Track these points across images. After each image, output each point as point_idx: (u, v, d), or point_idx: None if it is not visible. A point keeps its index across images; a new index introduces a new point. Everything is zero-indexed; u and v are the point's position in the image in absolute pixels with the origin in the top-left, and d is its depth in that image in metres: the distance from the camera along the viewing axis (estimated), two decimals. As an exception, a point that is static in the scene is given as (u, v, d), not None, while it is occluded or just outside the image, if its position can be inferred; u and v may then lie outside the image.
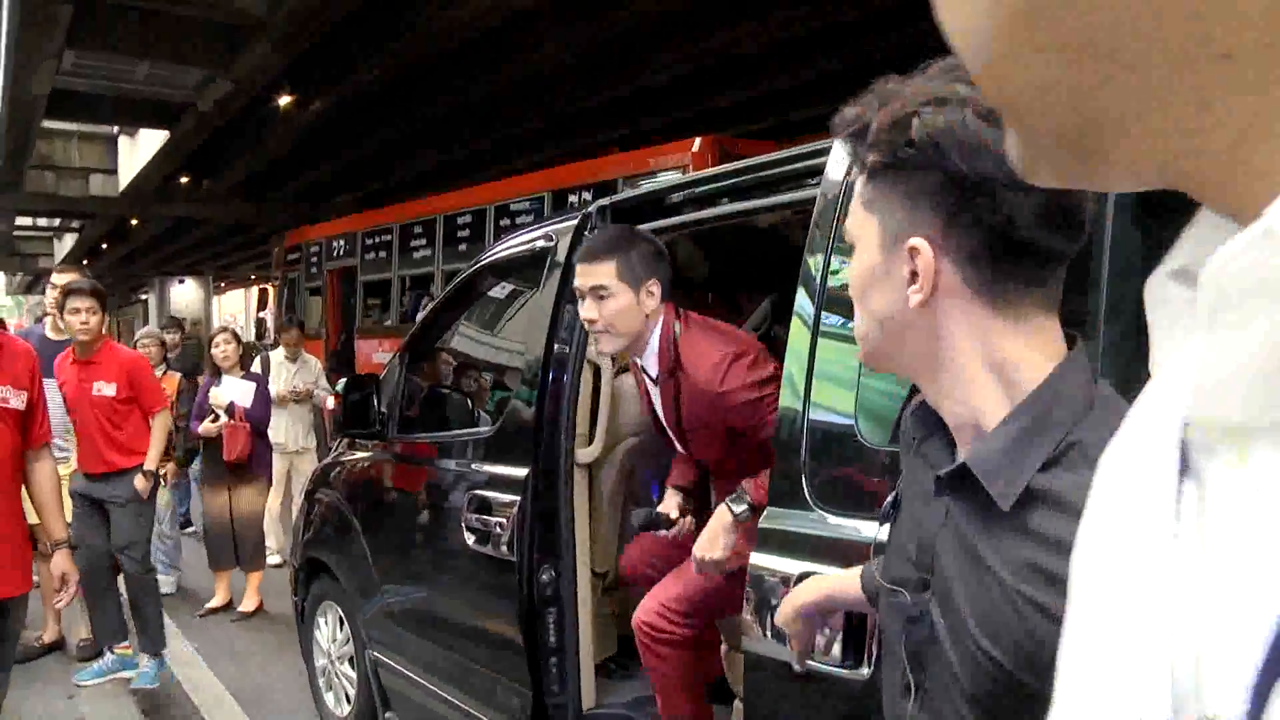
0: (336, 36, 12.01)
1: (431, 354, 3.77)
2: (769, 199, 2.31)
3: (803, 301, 1.85)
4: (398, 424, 3.33)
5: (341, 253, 12.72)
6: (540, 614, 2.61)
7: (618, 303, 2.30)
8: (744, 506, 2.23)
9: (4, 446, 2.92)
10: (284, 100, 14.56)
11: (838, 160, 1.86)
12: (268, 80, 13.62)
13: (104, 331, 4.55)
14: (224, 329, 6.08)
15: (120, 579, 4.78)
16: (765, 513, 1.86)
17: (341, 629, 3.79)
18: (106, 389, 4.45)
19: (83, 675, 4.76)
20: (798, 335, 1.85)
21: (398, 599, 3.31)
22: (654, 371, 2.42)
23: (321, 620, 3.95)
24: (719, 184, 2.47)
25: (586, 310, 2.34)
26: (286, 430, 6.69)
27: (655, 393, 2.49)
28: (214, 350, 5.79)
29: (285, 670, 4.88)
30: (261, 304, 17.30)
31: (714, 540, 2.27)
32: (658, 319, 2.37)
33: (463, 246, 10.42)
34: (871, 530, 1.66)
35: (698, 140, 7.82)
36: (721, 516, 2.28)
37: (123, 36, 12.89)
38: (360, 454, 3.62)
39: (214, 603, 5.94)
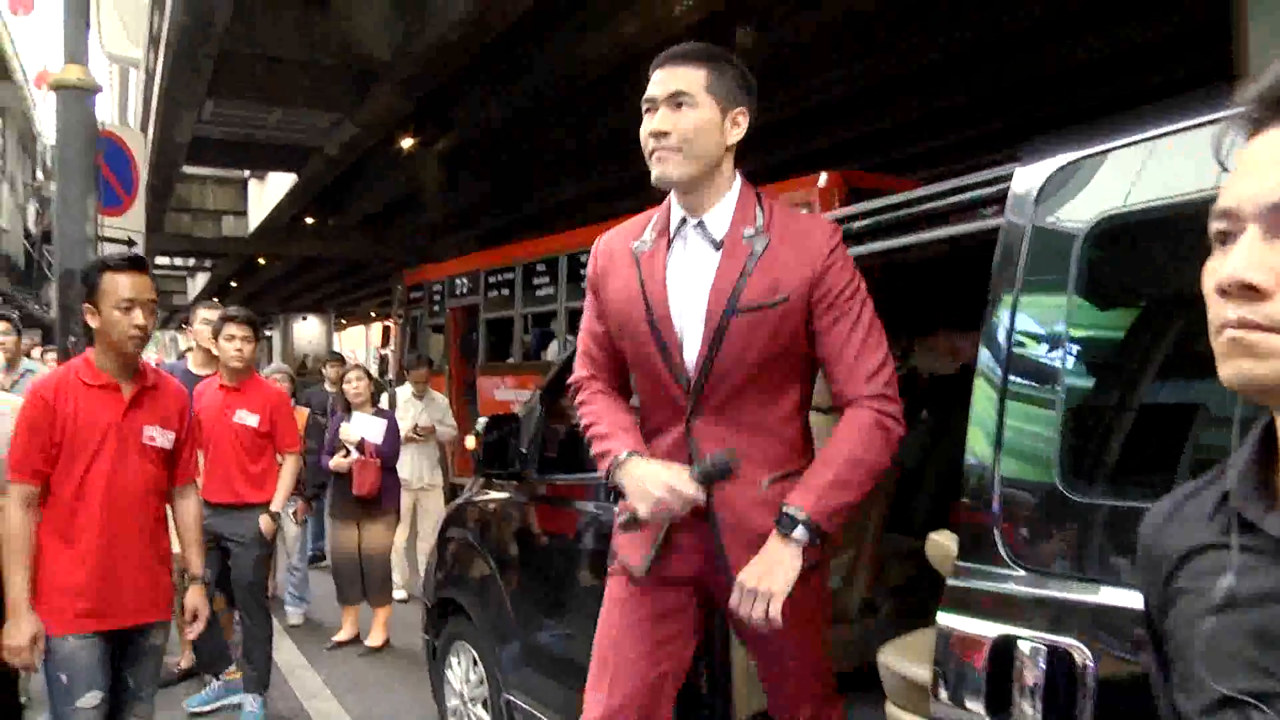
0: (459, 78, 12.33)
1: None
2: (934, 232, 2.19)
3: (990, 348, 1.74)
4: (538, 464, 3.29)
5: (464, 290, 12.94)
6: (695, 666, 2.50)
7: (700, 115, 1.88)
8: (800, 529, 1.82)
9: (149, 482, 2.98)
10: (407, 142, 15.01)
11: (1022, 188, 1.75)
12: (392, 122, 14.06)
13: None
14: (355, 365, 6.21)
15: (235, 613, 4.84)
16: (953, 568, 1.73)
17: (475, 670, 3.75)
18: (249, 419, 4.53)
19: (193, 701, 4.85)
20: (985, 380, 1.74)
21: (537, 643, 3.25)
22: (720, 233, 1.94)
23: (454, 660, 3.92)
24: (880, 217, 2.36)
25: (657, 122, 1.90)
26: (412, 467, 6.77)
27: (704, 265, 1.93)
28: (345, 386, 5.91)
29: (412, 705, 4.89)
30: (385, 341, 17.74)
31: (772, 573, 1.81)
32: (730, 169, 1.97)
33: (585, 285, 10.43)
34: (1077, 590, 1.53)
35: (824, 175, 7.53)
36: (777, 546, 1.83)
37: (258, 86, 13.50)
38: (497, 494, 3.60)
39: (341, 636, 6.02)
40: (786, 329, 1.89)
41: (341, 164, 16.68)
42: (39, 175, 30.40)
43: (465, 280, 12.97)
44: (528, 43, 11.26)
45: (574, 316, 10.74)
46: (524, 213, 19.49)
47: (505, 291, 12.00)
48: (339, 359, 9.00)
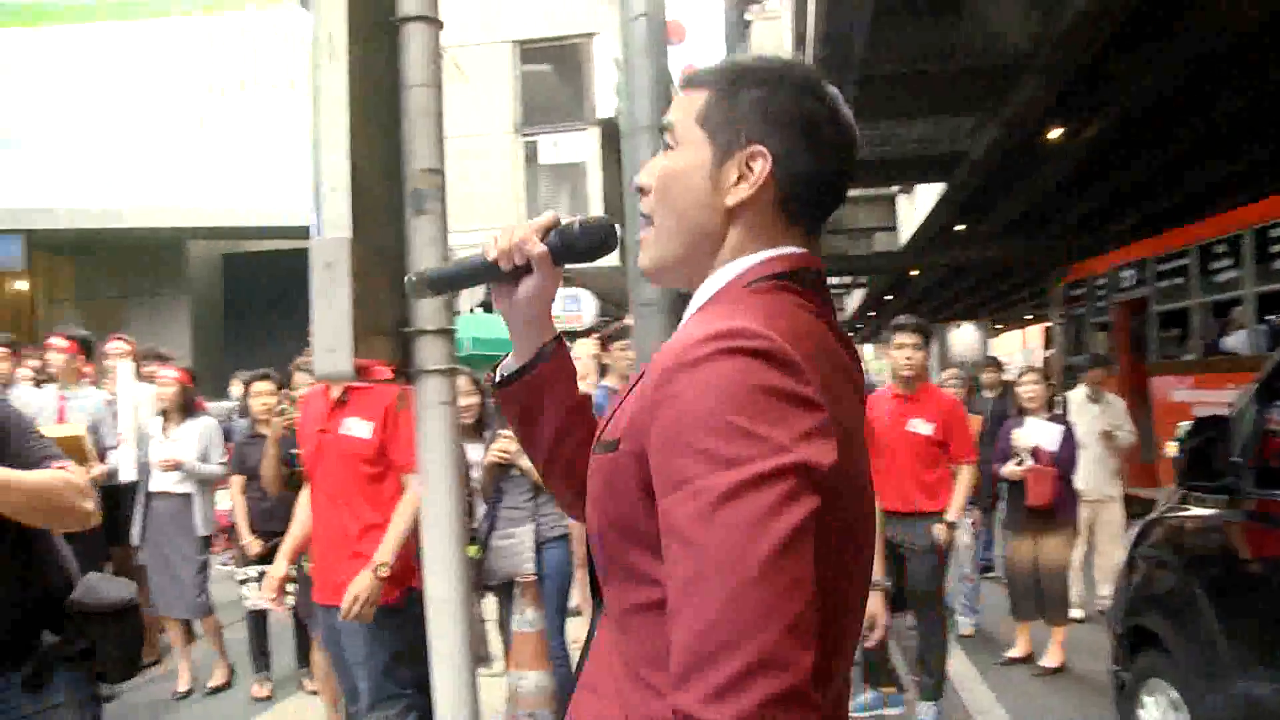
0: (1104, 56, 11.34)
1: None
2: None
3: None
4: (1256, 476, 2.74)
5: (1131, 283, 11.76)
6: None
7: (679, 159, 1.16)
8: None
9: None
10: (1053, 133, 14.22)
11: None
12: (1037, 116, 13.43)
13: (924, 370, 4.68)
14: (1030, 369, 5.90)
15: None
16: None
17: (1175, 713, 3.26)
18: (924, 428, 4.53)
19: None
20: None
21: (1257, 694, 2.69)
22: None
23: (1148, 699, 3.45)
24: None
25: (641, 172, 1.22)
26: (1089, 476, 6.25)
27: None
28: (1019, 390, 5.65)
29: (1095, 740, 4.49)
30: (1046, 343, 16.92)
31: None
32: (750, 238, 1.14)
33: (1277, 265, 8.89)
34: None
35: None
36: None
37: (897, 102, 13.90)
38: (1200, 509, 3.08)
39: (1014, 652, 5.74)
40: (621, 489, 1.07)
41: (987, 166, 16.40)
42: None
43: (1131, 271, 11.77)
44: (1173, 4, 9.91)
45: (1264, 302, 9.16)
46: (1193, 189, 17.20)
47: (1178, 280, 10.61)
48: (995, 365, 8.73)
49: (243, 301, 16.41)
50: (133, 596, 2.42)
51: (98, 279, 15.51)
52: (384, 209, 2.06)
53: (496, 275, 1.25)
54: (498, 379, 1.36)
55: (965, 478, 4.56)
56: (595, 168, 14.06)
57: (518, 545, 4.10)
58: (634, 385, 1.09)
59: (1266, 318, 9.27)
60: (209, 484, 5.52)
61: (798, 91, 1.13)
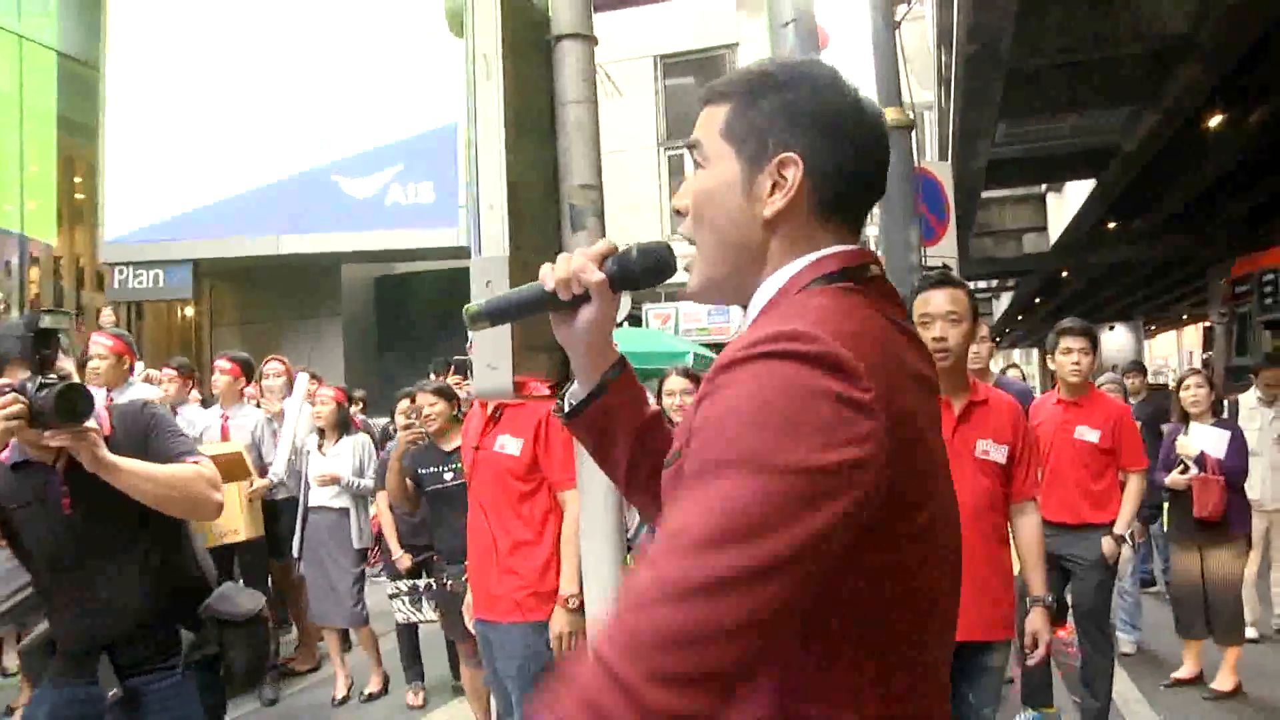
0: (1269, 36, 10.63)
1: None
2: None
3: None
4: None
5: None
6: None
7: (709, 178, 1.14)
8: None
9: (986, 497, 2.95)
10: (1214, 121, 13.43)
11: None
12: (1196, 102, 12.70)
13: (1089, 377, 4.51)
14: (1194, 371, 5.57)
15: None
16: None
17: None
18: (1090, 435, 4.37)
19: None
20: None
21: None
22: None
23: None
24: None
25: (679, 193, 1.21)
26: (1264, 483, 5.85)
27: None
28: (1183, 394, 5.34)
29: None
30: (1207, 344, 16.01)
31: None
32: (802, 247, 1.11)
33: None
34: None
35: None
36: None
37: (1046, 96, 13.37)
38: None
39: (1182, 673, 5.43)
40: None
41: (1141, 160, 15.59)
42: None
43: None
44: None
45: None
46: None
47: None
48: (1139, 369, 8.33)
49: (394, 322, 17.05)
50: (262, 607, 2.56)
51: (258, 304, 16.39)
52: (542, 225, 2.11)
53: (555, 304, 1.23)
54: (567, 410, 1.34)
55: (1135, 487, 4.37)
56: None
57: None
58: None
59: None
60: (364, 499, 5.73)
61: (818, 90, 1.11)
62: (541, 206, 2.12)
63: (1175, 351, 43.88)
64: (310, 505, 5.63)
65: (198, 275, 14.62)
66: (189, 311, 17.26)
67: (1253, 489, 5.63)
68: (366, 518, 5.74)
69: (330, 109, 14.06)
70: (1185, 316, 39.34)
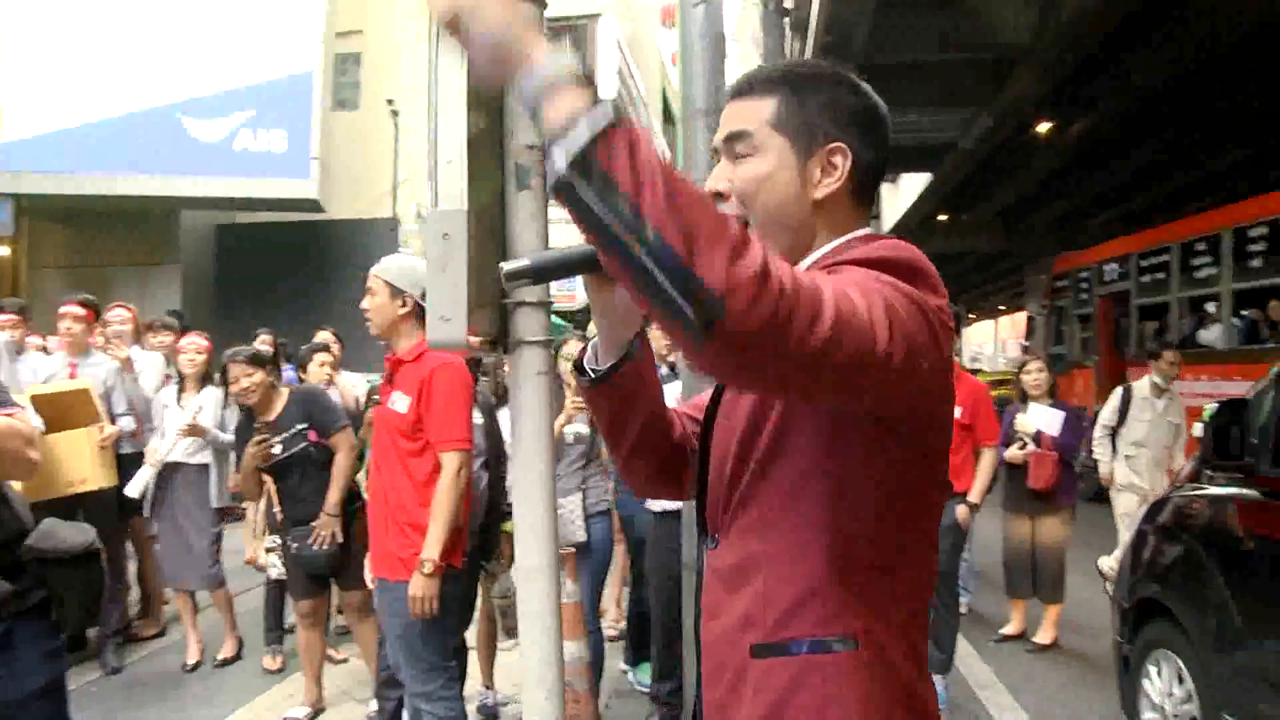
0: (1100, 52, 11.56)
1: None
2: None
3: None
4: (1272, 456, 2.91)
5: (1114, 277, 12.07)
6: None
7: (761, 164, 1.26)
8: None
9: None
10: (1043, 127, 14.44)
11: None
12: (1028, 109, 13.63)
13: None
14: (1036, 357, 6.04)
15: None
16: None
17: (1180, 684, 3.43)
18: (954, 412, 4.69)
19: None
20: None
21: (1268, 662, 2.87)
22: None
23: (1153, 669, 3.63)
24: None
25: (712, 178, 1.32)
26: (1149, 473, 6.46)
27: None
28: (1024, 376, 5.79)
29: (1092, 711, 4.69)
30: (1029, 333, 17.27)
31: None
32: (839, 227, 1.28)
33: (1256, 262, 9.31)
34: None
35: None
36: None
37: (893, 93, 14.02)
38: (1218, 488, 3.25)
39: (1009, 629, 5.93)
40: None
41: (975, 158, 16.60)
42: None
43: (1115, 265, 12.08)
44: (1176, 2, 10.14)
45: (1239, 298, 9.64)
46: (1173, 188, 17.53)
47: (1160, 275, 10.97)
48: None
49: (236, 274, 16.35)
50: (93, 540, 2.31)
51: (85, 248, 15.36)
52: (489, 184, 2.16)
53: (599, 266, 1.25)
54: (589, 380, 1.37)
55: (989, 460, 4.75)
56: (598, 149, 14.16)
57: (568, 515, 4.16)
58: None
59: (1241, 313, 9.63)
60: (225, 454, 5.46)
61: (853, 90, 1.27)
62: (489, 165, 2.17)
63: (991, 339, 46.87)
64: (167, 460, 5.29)
65: (18, 212, 13.57)
66: (3, 251, 15.99)
67: (1140, 476, 6.24)
68: (226, 475, 5.49)
69: (180, 44, 13.27)
70: (1003, 307, 42.15)
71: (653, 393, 1.40)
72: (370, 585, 3.60)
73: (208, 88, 13.38)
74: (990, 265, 28.89)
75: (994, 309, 44.11)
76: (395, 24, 17.91)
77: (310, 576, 4.35)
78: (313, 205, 14.55)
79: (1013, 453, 5.60)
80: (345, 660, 5.39)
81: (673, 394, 4.25)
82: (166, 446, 5.25)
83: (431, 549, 3.15)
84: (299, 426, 4.27)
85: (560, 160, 0.90)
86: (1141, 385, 6.66)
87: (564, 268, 1.28)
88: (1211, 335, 9.92)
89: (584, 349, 1.39)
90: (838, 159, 1.24)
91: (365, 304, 3.32)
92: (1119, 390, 6.60)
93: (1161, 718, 3.56)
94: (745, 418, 1.22)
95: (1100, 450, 6.51)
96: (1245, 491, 3.07)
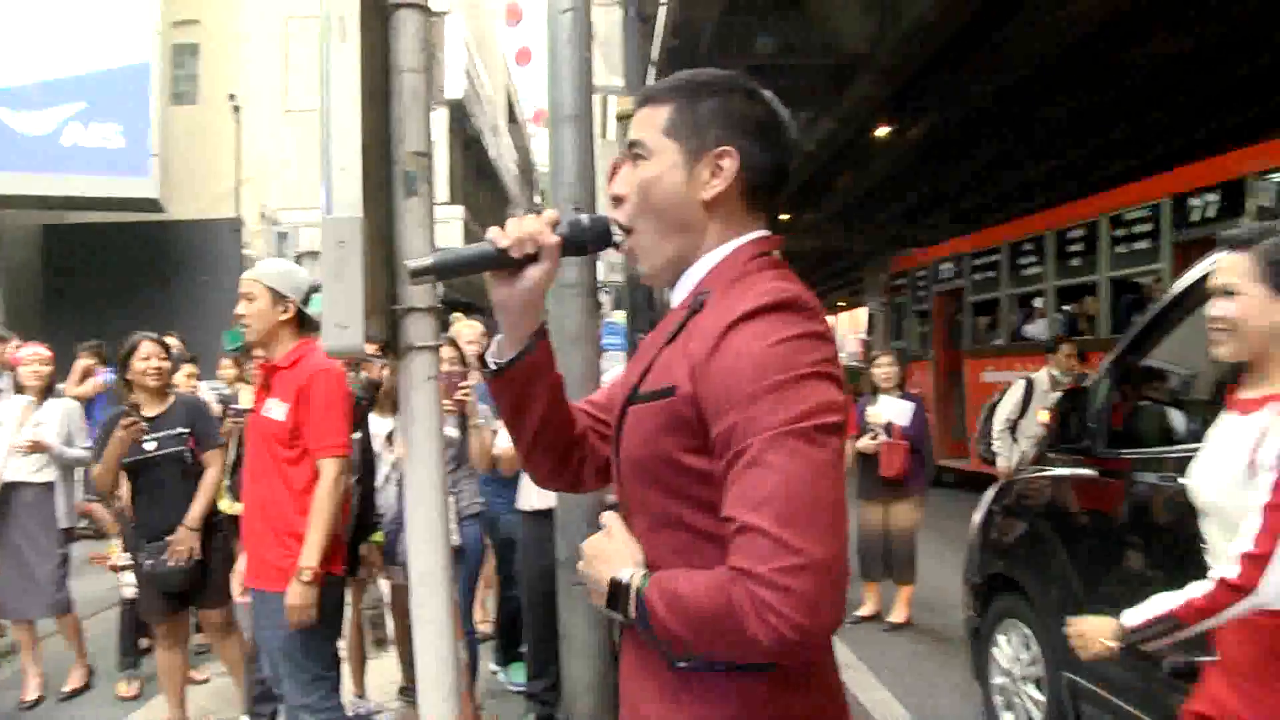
0: (936, 61, 12.21)
1: (1143, 366, 3.52)
2: None
3: None
4: (1106, 438, 3.19)
5: (948, 275, 12.79)
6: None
7: (652, 167, 1.32)
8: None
9: None
10: (882, 131, 15.11)
11: None
12: (868, 113, 14.24)
13: None
14: (886, 352, 6.30)
15: None
16: None
17: (1027, 650, 3.72)
18: None
19: None
20: None
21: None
22: (676, 302, 1.39)
23: (1002, 638, 3.91)
24: None
25: (615, 183, 1.40)
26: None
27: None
28: (875, 370, 6.07)
29: (946, 681, 5.00)
30: (870, 328, 18.09)
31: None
32: (731, 230, 1.32)
33: (1075, 261, 10.13)
34: None
35: None
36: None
37: (740, 94, 14.42)
38: (1057, 470, 3.53)
39: (864, 611, 6.24)
40: (671, 426, 1.25)
41: (817, 160, 17.21)
42: (537, 199, 35.54)
43: (950, 264, 12.81)
44: (1004, 16, 10.85)
45: (1061, 294, 10.41)
46: (1003, 190, 18.68)
47: (991, 274, 11.72)
48: None
49: (65, 278, 15.37)
50: None
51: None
52: (376, 189, 2.15)
53: (504, 263, 1.32)
54: (493, 368, 1.42)
55: (848, 450, 4.96)
56: (443, 148, 14.00)
57: None
58: (664, 345, 1.28)
59: (1063, 308, 10.43)
60: (70, 471, 5.15)
61: (747, 98, 1.33)
62: (377, 171, 2.16)
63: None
64: (6, 480, 4.90)
65: None
66: None
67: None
68: (72, 493, 5.18)
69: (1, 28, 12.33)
70: (843, 303, 43.78)
71: (552, 386, 1.44)
72: (239, 599, 3.50)
73: (29, 76, 12.46)
74: (831, 262, 29.98)
75: (834, 305, 45.74)
76: (234, 14, 17.16)
77: (165, 595, 4.16)
78: (151, 205, 13.84)
79: (865, 443, 5.88)
80: (207, 680, 5.16)
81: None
82: None
83: (310, 556, 3.10)
84: (181, 430, 4.15)
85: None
86: (1041, 378, 6.73)
87: (467, 265, 1.34)
88: (1036, 329, 10.66)
89: (489, 342, 1.45)
90: (725, 162, 1.29)
91: (242, 309, 3.23)
92: (1021, 383, 6.65)
93: (1010, 680, 3.85)
94: (656, 429, 1.26)
95: (1000, 444, 6.57)
96: (1082, 471, 3.36)
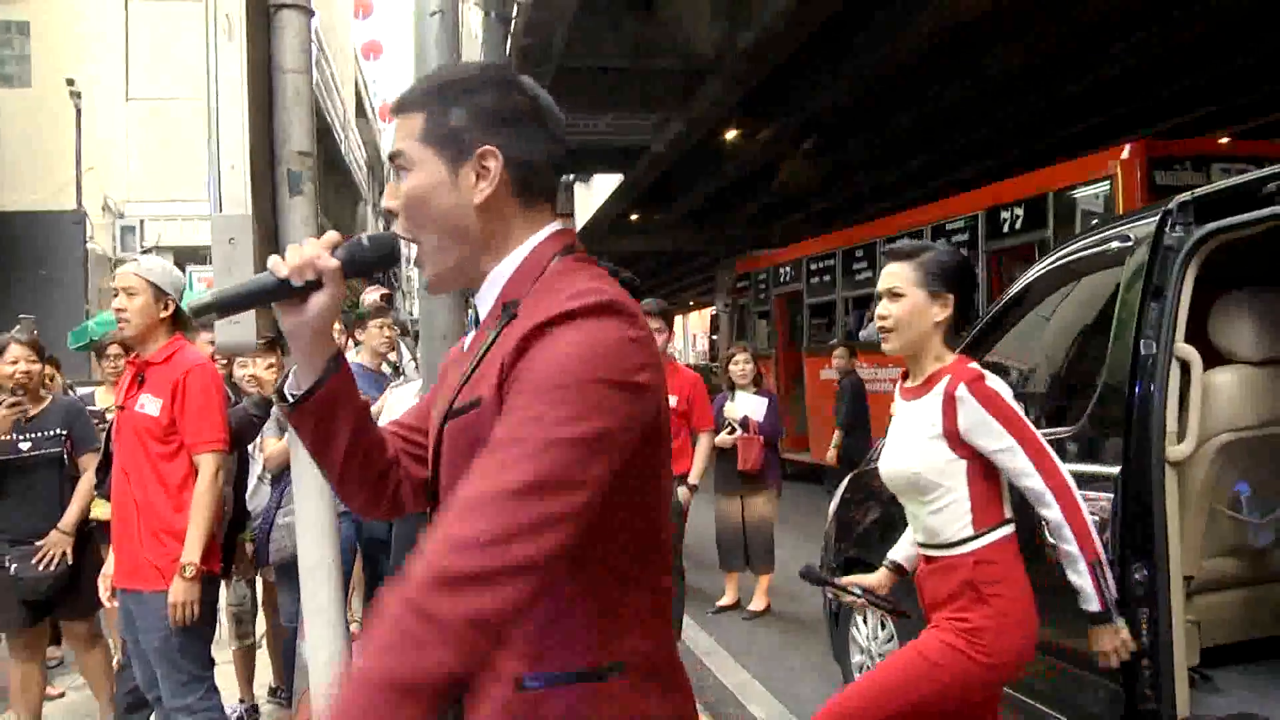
0: (785, 69, 12.63)
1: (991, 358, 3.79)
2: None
3: None
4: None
5: (788, 278, 13.32)
6: (1133, 614, 2.56)
7: (416, 179, 1.27)
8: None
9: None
10: (731, 134, 15.51)
11: None
12: (718, 117, 14.59)
13: None
14: (743, 348, 6.48)
15: None
16: None
17: (884, 628, 3.94)
18: (670, 401, 4.99)
19: None
20: None
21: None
22: (484, 313, 1.35)
23: (859, 620, 4.14)
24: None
25: (384, 198, 1.35)
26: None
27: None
28: (732, 367, 6.22)
29: (808, 664, 5.20)
30: (714, 328, 18.58)
31: None
32: (518, 229, 1.29)
33: None
34: None
35: (1126, 148, 7.53)
36: None
37: (589, 95, 14.51)
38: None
39: (724, 601, 6.43)
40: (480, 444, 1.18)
41: (666, 161, 17.49)
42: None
43: (789, 268, 13.36)
44: (852, 27, 11.35)
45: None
46: (849, 194, 19.43)
47: (827, 278, 12.28)
48: None
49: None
50: None
51: None
52: (262, 188, 2.14)
53: (287, 292, 1.25)
54: (290, 401, 1.33)
55: (705, 444, 5.13)
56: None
57: None
58: (481, 356, 1.22)
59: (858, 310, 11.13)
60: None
61: (501, 90, 1.27)
62: (264, 169, 2.15)
63: (682, 333, 49.42)
64: None
65: None
66: None
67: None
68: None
69: None
70: (693, 303, 44.63)
71: (356, 414, 1.37)
72: (107, 604, 3.41)
73: None
74: (682, 263, 30.48)
75: (685, 305, 46.56)
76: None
77: (27, 604, 3.96)
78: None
79: (722, 438, 6.02)
80: (62, 695, 4.89)
81: (409, 396, 4.30)
82: None
83: (192, 553, 3.09)
84: (58, 431, 4.02)
85: None
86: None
87: (249, 299, 1.29)
88: (868, 332, 11.24)
89: (286, 374, 1.36)
90: (489, 162, 1.24)
91: (121, 304, 3.13)
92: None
93: (869, 658, 4.07)
94: (469, 444, 1.18)
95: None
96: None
